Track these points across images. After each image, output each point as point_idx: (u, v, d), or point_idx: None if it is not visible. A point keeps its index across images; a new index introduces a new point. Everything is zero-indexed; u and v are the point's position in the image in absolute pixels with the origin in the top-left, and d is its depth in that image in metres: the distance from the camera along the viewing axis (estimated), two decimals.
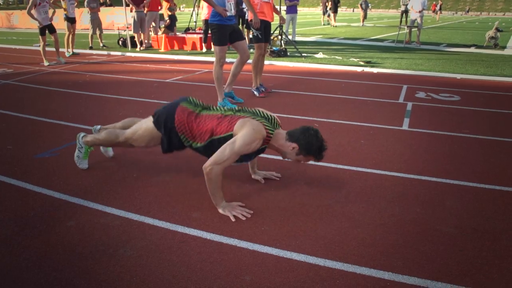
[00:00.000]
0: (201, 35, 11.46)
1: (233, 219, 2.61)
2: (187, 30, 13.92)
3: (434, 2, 37.75)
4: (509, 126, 4.74)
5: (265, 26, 5.78)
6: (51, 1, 9.83)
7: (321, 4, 22.81)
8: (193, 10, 15.31)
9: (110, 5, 19.24)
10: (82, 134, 3.41)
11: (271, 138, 2.77)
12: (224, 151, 2.59)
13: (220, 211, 2.69)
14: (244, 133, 2.61)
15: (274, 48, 10.12)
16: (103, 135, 3.24)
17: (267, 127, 2.71)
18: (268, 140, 2.76)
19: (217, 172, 2.59)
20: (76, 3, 11.54)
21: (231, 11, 5.10)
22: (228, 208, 2.69)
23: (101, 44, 12.72)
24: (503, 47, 12.70)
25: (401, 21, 15.94)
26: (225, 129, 2.72)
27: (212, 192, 2.68)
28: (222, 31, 5.08)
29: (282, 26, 10.53)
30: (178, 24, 13.99)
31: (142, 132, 3.05)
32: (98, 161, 3.63)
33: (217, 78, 5.23)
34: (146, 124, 3.06)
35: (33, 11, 9.06)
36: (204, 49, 11.17)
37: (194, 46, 11.62)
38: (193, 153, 3.63)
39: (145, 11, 11.88)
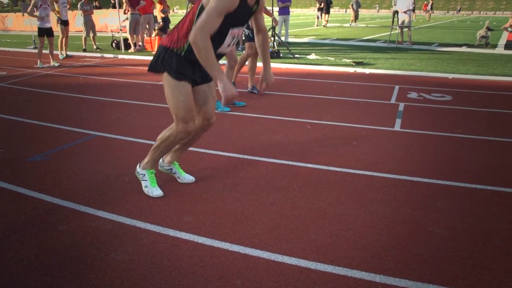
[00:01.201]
0: None
1: (222, 103, 2.56)
2: None
3: (425, 2, 37.88)
4: (500, 126, 4.77)
5: None
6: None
7: (317, 5, 22.88)
8: (186, 12, 15.29)
9: (99, 8, 19.18)
10: (137, 167, 3.15)
11: None
12: (202, 17, 2.43)
13: (220, 87, 2.50)
14: None
15: None
16: (156, 143, 2.99)
17: None
18: None
19: (202, 37, 2.39)
20: (68, 6, 11.50)
21: None
22: (228, 89, 2.51)
23: (94, 47, 12.68)
24: (494, 46, 12.79)
25: (393, 21, 16.00)
26: (194, 11, 2.60)
27: (205, 63, 2.48)
28: None
29: (274, 27, 10.54)
30: (171, 26, 13.95)
31: (170, 96, 2.77)
32: (90, 164, 3.62)
33: None
34: (166, 92, 2.80)
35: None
36: None
37: None
38: (185, 157, 3.64)
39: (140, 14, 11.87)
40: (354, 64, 8.99)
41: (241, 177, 3.32)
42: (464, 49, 12.24)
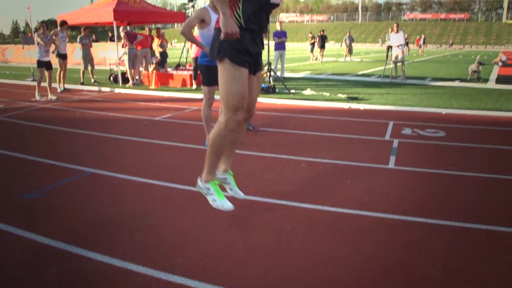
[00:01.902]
0: (191, 72, 11.61)
1: (221, 36, 2.59)
2: (178, 66, 14.10)
3: (418, 36, 38.73)
4: (493, 162, 4.81)
5: None
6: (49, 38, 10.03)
7: (310, 40, 23.47)
8: (183, 46, 15.55)
9: (96, 41, 19.53)
10: (198, 182, 3.07)
11: None
12: None
13: (221, 21, 2.57)
14: None
15: (262, 85, 10.27)
16: (209, 148, 2.90)
17: None
18: None
19: None
20: (68, 39, 11.70)
21: None
22: (228, 25, 2.55)
23: (92, 80, 12.82)
24: (486, 80, 13.02)
25: (387, 56, 16.31)
26: None
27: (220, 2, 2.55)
28: (210, 72, 5.16)
29: (270, 63, 10.72)
30: (169, 60, 14.18)
31: (226, 81, 2.74)
32: (84, 203, 3.60)
33: (206, 118, 5.28)
34: (220, 77, 2.77)
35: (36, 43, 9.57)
36: (194, 86, 11.28)
37: (184, 83, 11.74)
38: (178, 196, 3.64)
39: (138, 48, 12.07)
40: (349, 99, 9.11)
41: (234, 217, 3.31)
42: (457, 83, 12.45)
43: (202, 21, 5.06)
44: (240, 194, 3.22)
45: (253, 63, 2.83)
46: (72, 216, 3.34)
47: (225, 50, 2.69)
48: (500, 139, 5.96)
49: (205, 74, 5.19)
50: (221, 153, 2.97)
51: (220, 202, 2.95)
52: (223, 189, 3.24)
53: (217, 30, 2.75)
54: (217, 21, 2.75)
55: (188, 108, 8.45)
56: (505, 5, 29.93)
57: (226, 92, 2.74)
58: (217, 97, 5.51)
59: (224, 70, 2.72)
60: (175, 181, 4.13)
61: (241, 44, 2.70)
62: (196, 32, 5.37)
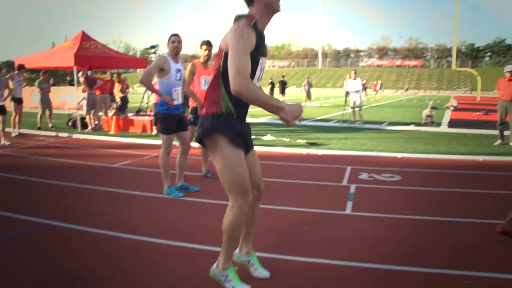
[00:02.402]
0: (152, 118, 11.57)
1: (290, 123, 2.46)
2: (138, 112, 14.03)
3: (375, 82, 40.44)
4: (445, 205, 4.98)
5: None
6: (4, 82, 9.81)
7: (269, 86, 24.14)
8: (144, 91, 15.55)
9: (56, 84, 19.35)
10: (213, 268, 2.94)
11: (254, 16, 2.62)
12: (231, 64, 2.45)
13: (283, 114, 2.44)
14: (231, 37, 2.52)
15: None
16: (225, 236, 2.84)
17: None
18: (253, 18, 2.61)
19: (243, 82, 2.40)
20: (24, 84, 11.50)
21: (178, 100, 5.24)
22: (293, 108, 2.46)
23: (50, 125, 12.55)
24: (439, 124, 13.66)
25: (345, 102, 16.84)
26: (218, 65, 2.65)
27: (260, 102, 2.44)
28: (169, 121, 5.19)
29: None
30: (130, 105, 14.12)
31: (228, 169, 2.71)
32: (34, 257, 3.45)
33: (164, 166, 5.25)
34: (221, 166, 2.74)
35: None
36: (154, 131, 11.23)
37: (144, 129, 11.66)
38: (133, 247, 3.54)
39: (96, 94, 11.99)
40: (308, 144, 9.29)
41: (192, 269, 3.24)
42: (412, 127, 12.97)
43: (161, 70, 5.14)
44: (265, 274, 3.12)
45: (245, 143, 2.83)
46: (19, 272, 3.18)
47: (221, 129, 2.67)
48: (452, 182, 6.20)
49: (164, 122, 5.21)
50: (238, 238, 2.92)
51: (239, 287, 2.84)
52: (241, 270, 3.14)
53: (209, 116, 2.71)
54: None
55: (148, 155, 8.35)
56: (454, 53, 32.34)
57: (230, 178, 2.71)
58: (175, 142, 5.51)
59: (223, 155, 2.69)
60: (130, 231, 4.03)
61: (235, 129, 2.71)
62: (155, 79, 5.43)
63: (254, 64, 2.60)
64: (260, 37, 2.63)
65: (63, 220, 4.36)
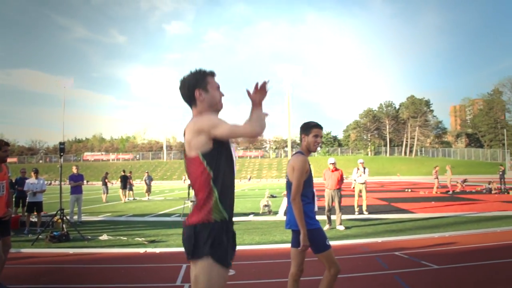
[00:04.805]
0: None
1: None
2: None
3: None
4: None
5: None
6: None
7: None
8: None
9: None
10: None
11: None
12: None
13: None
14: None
15: (54, 233, 9.42)
16: None
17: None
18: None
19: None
20: None
21: None
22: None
23: None
24: (276, 213, 14.45)
25: (188, 194, 16.97)
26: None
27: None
28: None
29: (63, 208, 10.03)
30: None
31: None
32: None
33: None
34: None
35: None
36: None
37: None
38: None
39: None
40: (147, 243, 8.93)
41: None
42: (251, 217, 13.48)
43: None
44: None
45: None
46: None
47: (212, 250, 2.53)
48: (287, 271, 6.42)
49: None
50: None
51: None
52: None
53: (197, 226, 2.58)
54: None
55: None
56: (289, 144, 36.55)
57: None
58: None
59: (209, 272, 2.54)
60: None
61: (228, 241, 2.62)
62: None
63: (229, 150, 2.77)
64: None
65: None
